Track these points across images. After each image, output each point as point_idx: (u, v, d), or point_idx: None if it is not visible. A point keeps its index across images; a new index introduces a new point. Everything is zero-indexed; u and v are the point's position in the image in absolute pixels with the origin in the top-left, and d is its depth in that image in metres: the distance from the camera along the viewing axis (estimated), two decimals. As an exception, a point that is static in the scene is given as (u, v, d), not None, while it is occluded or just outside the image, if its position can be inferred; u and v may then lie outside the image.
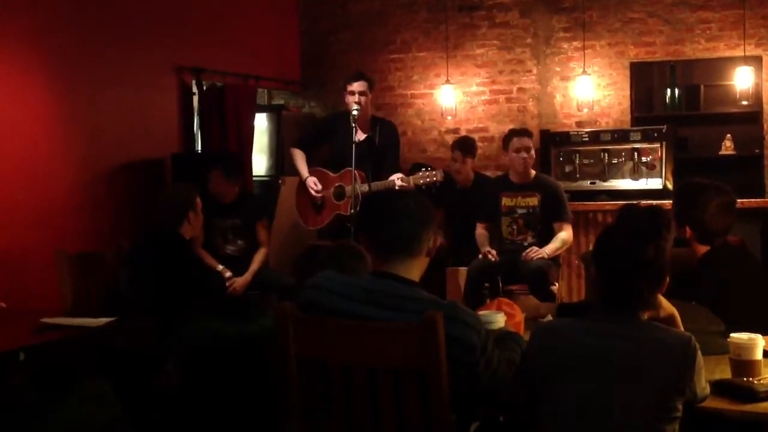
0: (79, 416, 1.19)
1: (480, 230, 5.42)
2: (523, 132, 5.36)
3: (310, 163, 5.48)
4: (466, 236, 5.62)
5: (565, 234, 5.24)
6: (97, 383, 1.24)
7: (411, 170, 5.35)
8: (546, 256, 5.06)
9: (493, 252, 5.17)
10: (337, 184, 5.30)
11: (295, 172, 5.54)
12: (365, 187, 4.99)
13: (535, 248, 5.09)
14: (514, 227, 5.28)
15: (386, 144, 5.31)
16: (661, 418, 2.04)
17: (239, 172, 5.55)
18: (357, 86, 5.17)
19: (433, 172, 5.03)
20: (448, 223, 6.14)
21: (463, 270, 5.45)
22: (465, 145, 6.18)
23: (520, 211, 5.26)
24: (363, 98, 5.16)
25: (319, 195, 5.33)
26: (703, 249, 3.04)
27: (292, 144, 5.76)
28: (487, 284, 5.29)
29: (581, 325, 2.21)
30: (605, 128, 7.10)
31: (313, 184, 5.34)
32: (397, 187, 4.96)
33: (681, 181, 5.98)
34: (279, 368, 2.27)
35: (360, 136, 5.19)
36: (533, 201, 5.22)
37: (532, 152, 5.26)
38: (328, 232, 5.42)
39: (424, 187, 5.03)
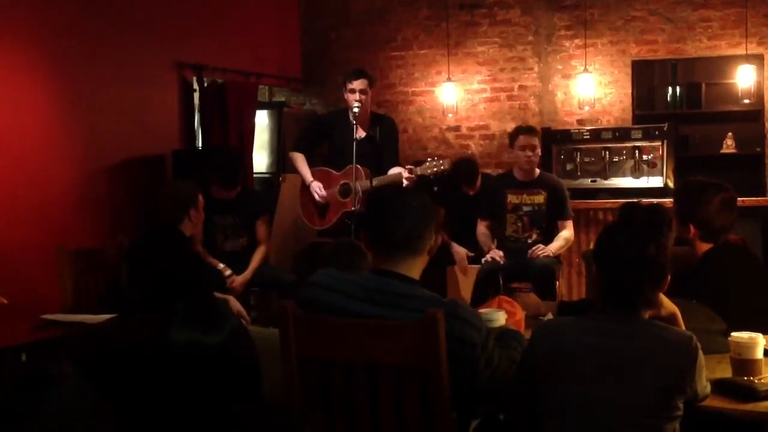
0: (57, 414, 1.17)
1: (482, 229, 5.41)
2: (529, 130, 5.32)
3: (311, 162, 5.46)
4: (466, 236, 5.62)
5: (567, 232, 5.25)
6: (71, 379, 1.22)
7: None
8: (551, 254, 5.08)
9: (500, 253, 5.18)
10: (342, 182, 5.26)
11: (296, 172, 5.52)
12: (366, 183, 4.99)
13: (541, 246, 5.09)
14: (519, 225, 5.28)
15: (386, 140, 5.30)
16: (662, 416, 2.04)
17: (237, 176, 5.38)
18: (357, 84, 5.15)
19: (440, 162, 4.99)
20: (449, 223, 6.12)
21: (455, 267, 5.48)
22: (468, 178, 5.97)
23: (525, 208, 5.26)
24: (363, 96, 5.15)
25: (324, 200, 5.31)
26: (704, 247, 3.03)
27: (292, 141, 5.75)
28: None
29: (582, 324, 2.20)
30: (606, 126, 7.10)
31: (317, 189, 5.30)
32: (404, 179, 4.95)
33: (681, 181, 5.97)
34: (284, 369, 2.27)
35: (360, 133, 5.18)
36: (539, 198, 5.22)
37: (538, 150, 5.22)
38: (328, 230, 5.41)
39: (432, 177, 5.01)
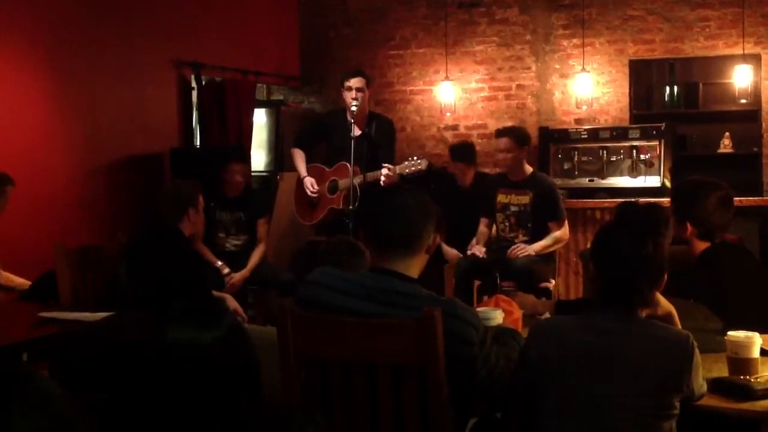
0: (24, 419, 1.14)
1: (482, 227, 5.43)
2: (499, 132, 5.33)
3: (309, 161, 5.50)
4: (463, 235, 5.62)
5: (559, 233, 5.20)
6: (35, 385, 1.18)
7: None
8: (533, 254, 5.05)
9: (480, 249, 5.19)
10: (331, 179, 5.31)
11: (295, 168, 5.57)
12: (357, 180, 5.01)
13: (521, 245, 5.07)
14: (507, 224, 5.28)
15: (382, 138, 5.31)
16: (659, 415, 2.04)
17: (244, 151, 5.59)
18: (355, 82, 5.17)
19: (418, 161, 5.01)
20: (447, 222, 6.12)
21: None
22: (464, 155, 6.02)
23: (512, 208, 5.25)
24: (361, 94, 5.17)
25: (315, 194, 5.35)
26: (701, 246, 3.04)
27: (290, 140, 5.77)
28: (478, 282, 5.32)
29: (579, 323, 2.21)
30: (604, 126, 7.10)
31: (310, 185, 5.36)
32: (383, 177, 4.96)
33: (677, 180, 5.98)
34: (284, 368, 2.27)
35: (357, 131, 5.19)
36: (525, 199, 5.20)
37: (514, 153, 5.14)
38: (326, 228, 5.43)
39: (409, 176, 5.02)
